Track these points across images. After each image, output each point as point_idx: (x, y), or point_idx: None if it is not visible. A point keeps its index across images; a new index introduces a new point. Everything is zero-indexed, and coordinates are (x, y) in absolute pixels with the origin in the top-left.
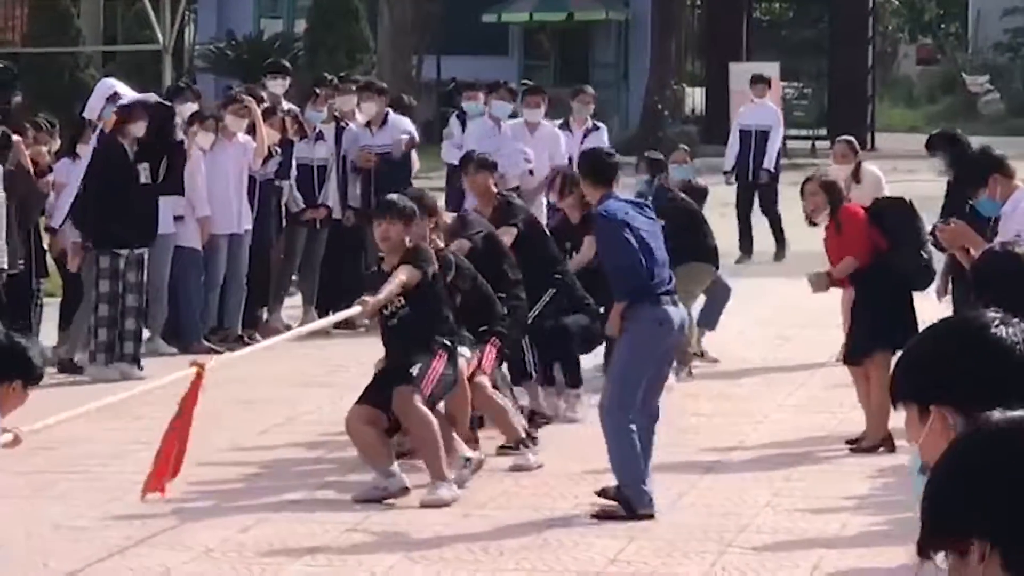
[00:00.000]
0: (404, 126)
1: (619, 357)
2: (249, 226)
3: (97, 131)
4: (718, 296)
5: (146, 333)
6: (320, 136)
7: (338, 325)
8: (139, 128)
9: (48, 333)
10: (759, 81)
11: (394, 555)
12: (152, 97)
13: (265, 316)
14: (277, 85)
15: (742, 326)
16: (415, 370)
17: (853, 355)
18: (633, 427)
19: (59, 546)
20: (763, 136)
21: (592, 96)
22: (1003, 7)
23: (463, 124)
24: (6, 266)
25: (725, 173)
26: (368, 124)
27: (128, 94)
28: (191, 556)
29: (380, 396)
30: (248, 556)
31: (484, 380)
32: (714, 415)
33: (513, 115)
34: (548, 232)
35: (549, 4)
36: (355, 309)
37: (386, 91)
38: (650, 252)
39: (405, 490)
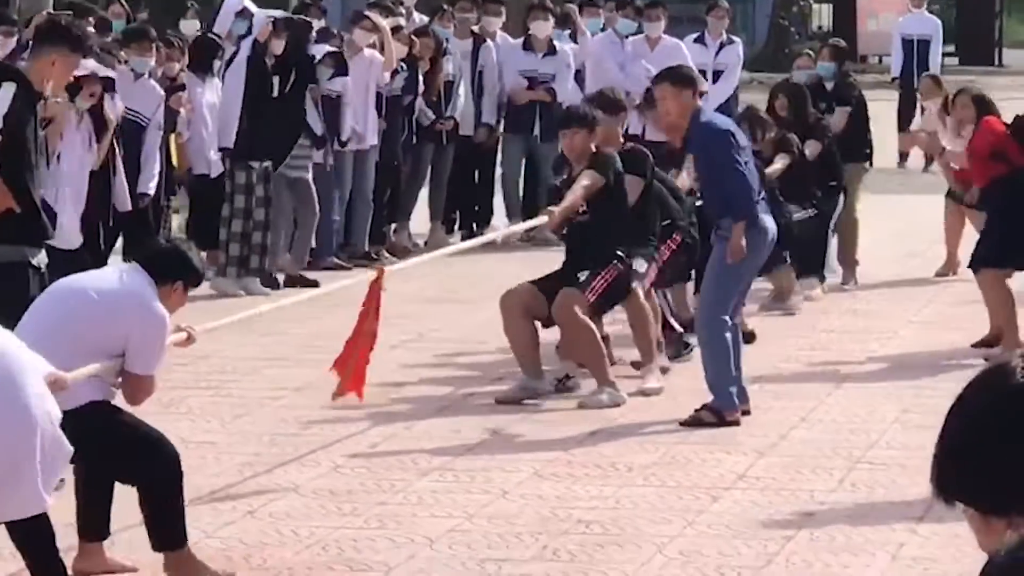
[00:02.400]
0: (568, 59)
1: (717, 268)
2: (376, 142)
3: (242, 44)
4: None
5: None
6: (445, 51)
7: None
8: (279, 45)
9: None
10: None
11: (522, 472)
12: (280, 13)
13: (392, 232)
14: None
15: (872, 242)
16: (583, 275)
17: (974, 263)
18: (728, 336)
19: (187, 462)
20: (925, 45)
21: (726, 10)
22: None
23: (573, 39)
24: (151, 191)
25: (892, 80)
26: (528, 44)
27: (255, 10)
28: (319, 472)
29: (548, 289)
30: (377, 471)
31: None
32: (843, 331)
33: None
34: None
35: None
36: (542, 219)
37: (556, 14)
38: (747, 164)
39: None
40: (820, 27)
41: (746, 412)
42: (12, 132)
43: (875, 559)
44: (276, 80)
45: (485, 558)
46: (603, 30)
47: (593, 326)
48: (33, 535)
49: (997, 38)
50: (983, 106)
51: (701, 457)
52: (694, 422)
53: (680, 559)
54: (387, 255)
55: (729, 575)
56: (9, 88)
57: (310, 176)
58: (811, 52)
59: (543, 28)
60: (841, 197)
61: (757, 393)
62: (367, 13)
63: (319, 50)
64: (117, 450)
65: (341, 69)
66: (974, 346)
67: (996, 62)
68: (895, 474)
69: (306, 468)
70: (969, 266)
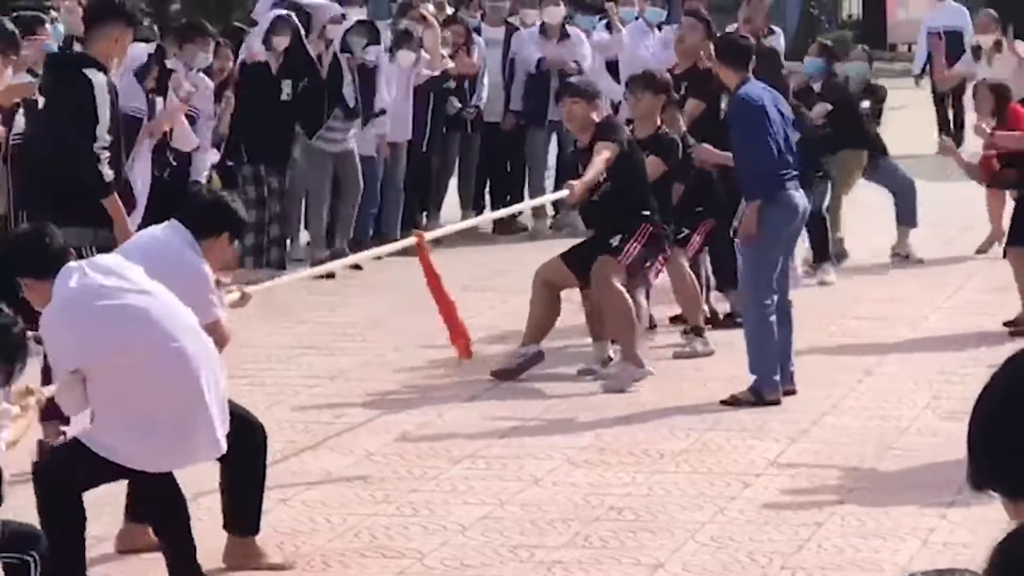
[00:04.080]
0: (583, 50)
1: (754, 252)
2: (410, 136)
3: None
4: (906, 191)
5: (305, 236)
6: (473, 40)
7: (499, 229)
8: (281, 42)
9: None
10: None
11: (554, 459)
12: (335, 7)
13: (424, 220)
14: None
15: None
16: (615, 240)
17: (1010, 243)
18: (773, 318)
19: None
20: (954, 37)
21: (765, 2)
22: None
23: (608, 29)
24: (203, 179)
25: (915, 76)
26: (543, 30)
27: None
28: (353, 460)
29: (578, 260)
30: (410, 459)
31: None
32: (874, 317)
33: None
34: None
35: None
36: (563, 192)
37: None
38: (784, 138)
39: (540, 355)
40: (850, 16)
41: (790, 392)
42: (114, 119)
43: (905, 544)
44: (285, 84)
45: (517, 544)
46: (636, 19)
47: (628, 296)
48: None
49: None
50: (1000, 95)
51: (732, 444)
52: (733, 401)
53: (712, 545)
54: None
55: (761, 561)
56: (96, 75)
57: (355, 148)
58: (827, 42)
59: (556, 15)
60: (828, 185)
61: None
62: (417, 4)
63: (352, 15)
64: None
65: (374, 38)
66: (1005, 324)
67: None
68: (925, 460)
69: (339, 456)
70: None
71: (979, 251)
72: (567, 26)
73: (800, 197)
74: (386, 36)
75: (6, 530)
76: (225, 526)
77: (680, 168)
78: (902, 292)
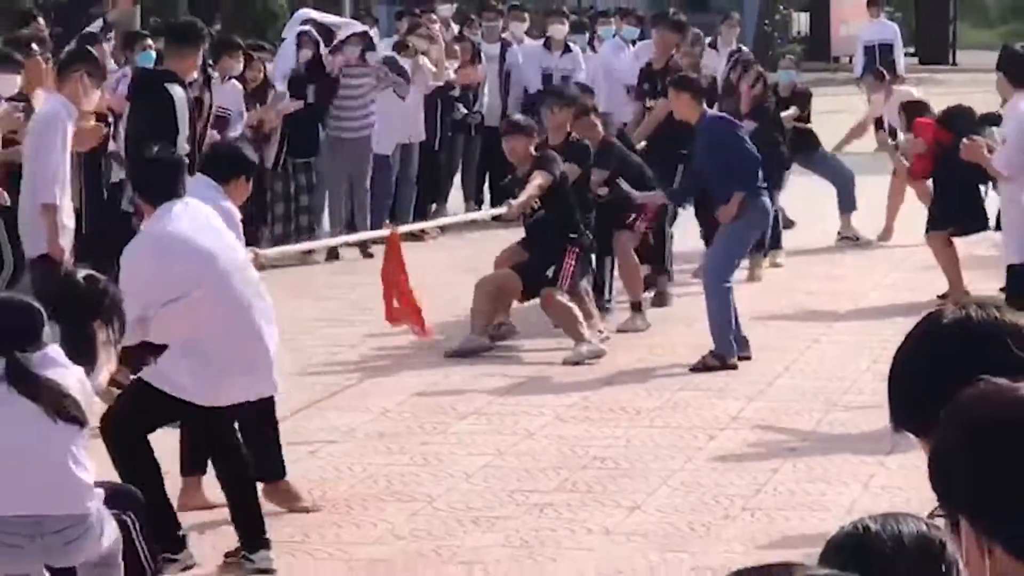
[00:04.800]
0: (580, 56)
1: (729, 239)
2: (423, 137)
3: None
4: (844, 180)
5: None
6: (479, 56)
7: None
8: (306, 54)
9: None
10: (874, 3)
11: (545, 416)
12: (356, 25)
13: (433, 209)
14: (446, 9)
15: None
16: (550, 272)
17: (928, 228)
18: (730, 293)
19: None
20: (885, 48)
21: (737, 21)
22: None
23: (592, 46)
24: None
25: (856, 81)
26: (547, 45)
27: (324, 18)
28: (371, 417)
29: (527, 282)
30: (421, 416)
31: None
32: (821, 293)
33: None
34: None
35: None
36: (502, 209)
37: (570, 19)
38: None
39: (489, 348)
40: (799, 32)
41: (745, 358)
42: (192, 130)
43: (848, 488)
44: (312, 89)
45: (514, 489)
46: (614, 37)
47: (571, 304)
48: None
49: (951, 41)
50: (909, 109)
51: (699, 402)
52: (701, 367)
53: (682, 489)
54: (430, 229)
55: (724, 503)
56: (177, 89)
57: (372, 147)
58: (792, 55)
59: (559, 31)
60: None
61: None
62: (424, 21)
63: (347, 28)
64: None
65: (370, 45)
66: (939, 297)
67: (951, 61)
68: (867, 416)
69: (359, 413)
70: (927, 232)
71: (879, 239)
72: (570, 43)
73: (769, 204)
74: (384, 49)
75: (105, 489)
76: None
77: (623, 166)
78: (846, 271)
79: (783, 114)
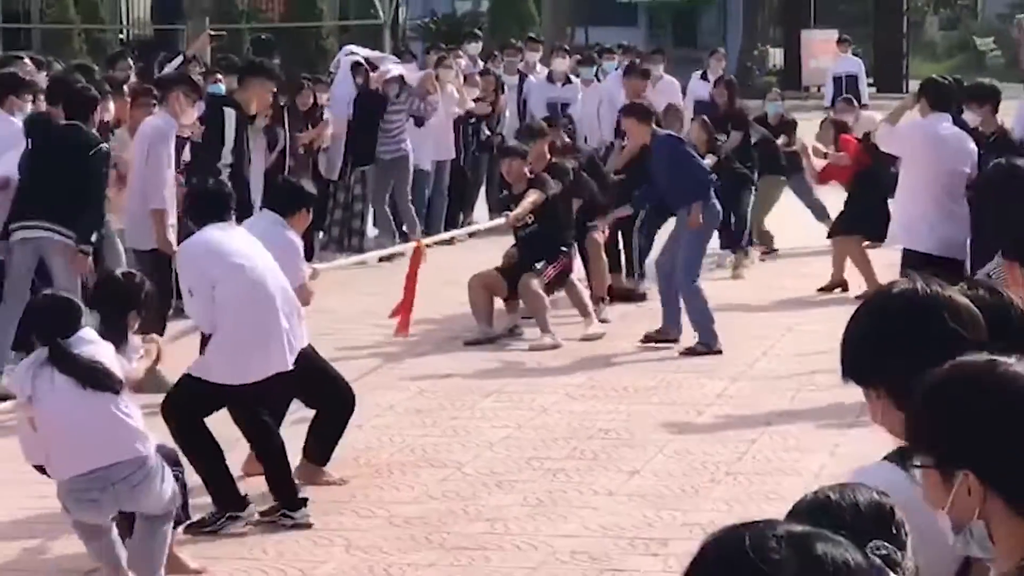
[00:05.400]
0: (578, 87)
1: (690, 244)
2: (454, 155)
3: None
4: (818, 210)
5: (372, 231)
6: (502, 87)
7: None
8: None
9: None
10: (843, 40)
11: (557, 394)
12: (393, 59)
13: (461, 218)
14: (472, 48)
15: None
16: (539, 265)
17: (834, 232)
18: (701, 289)
19: None
20: (851, 79)
21: (724, 55)
22: None
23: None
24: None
25: (825, 109)
26: (551, 77)
27: (366, 53)
28: (409, 395)
29: (508, 273)
30: (451, 394)
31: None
32: (794, 288)
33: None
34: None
35: None
36: (499, 220)
37: (571, 53)
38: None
39: (501, 337)
40: (775, 65)
41: (675, 340)
42: (236, 145)
43: (817, 455)
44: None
45: (531, 457)
46: (616, 69)
47: (544, 295)
48: None
49: (905, 73)
50: (837, 127)
51: (689, 382)
52: (690, 352)
53: (675, 457)
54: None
55: (710, 468)
56: (230, 111)
57: (410, 158)
58: (775, 88)
59: (561, 64)
60: (751, 195)
61: (730, 333)
62: (447, 57)
63: (386, 62)
64: (309, 382)
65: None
66: (857, 298)
67: (904, 90)
68: (833, 393)
69: (399, 392)
70: (830, 235)
71: (822, 289)
72: (574, 76)
73: (719, 207)
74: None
75: (162, 452)
76: (304, 452)
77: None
78: (815, 270)
79: (778, 141)
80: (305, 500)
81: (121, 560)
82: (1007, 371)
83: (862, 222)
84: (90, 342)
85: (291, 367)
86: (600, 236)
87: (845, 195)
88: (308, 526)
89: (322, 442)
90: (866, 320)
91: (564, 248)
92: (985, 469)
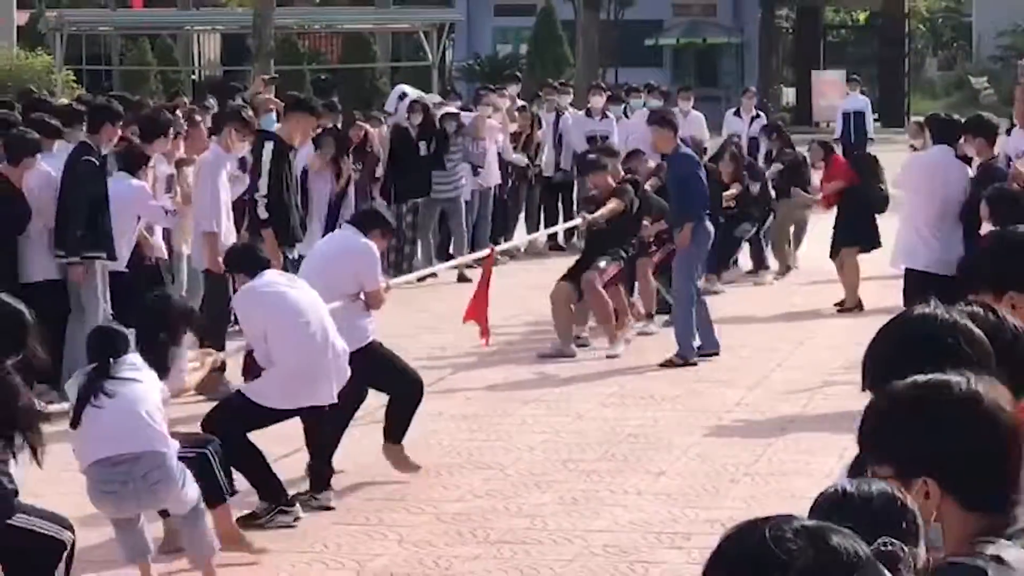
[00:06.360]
0: (614, 122)
1: (686, 262)
2: (499, 181)
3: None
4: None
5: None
6: (539, 123)
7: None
8: (416, 118)
9: None
10: (852, 80)
11: (591, 402)
12: (436, 98)
13: (502, 240)
14: (513, 88)
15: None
16: (602, 263)
17: (835, 248)
18: (693, 308)
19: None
20: (859, 116)
21: (754, 93)
22: (996, 31)
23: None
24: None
25: (834, 141)
26: (588, 113)
27: (414, 94)
28: (456, 403)
29: (575, 279)
30: (494, 402)
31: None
32: (807, 305)
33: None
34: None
35: (690, 32)
36: (577, 221)
37: (606, 90)
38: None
39: (574, 353)
40: (787, 103)
41: (715, 353)
42: (274, 175)
43: (828, 458)
44: (422, 144)
45: (567, 459)
46: (644, 106)
47: (608, 300)
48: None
49: (906, 109)
50: (825, 149)
51: (710, 391)
52: (668, 364)
53: (698, 459)
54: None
55: (730, 469)
56: (269, 145)
57: (463, 198)
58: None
59: (598, 101)
60: (771, 218)
61: (747, 346)
62: (487, 96)
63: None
64: (381, 372)
65: (458, 129)
66: (836, 305)
67: (905, 124)
68: (842, 401)
69: (447, 400)
70: (832, 256)
71: (838, 306)
72: (608, 112)
73: (711, 228)
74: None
75: (188, 437)
76: (384, 434)
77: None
78: (828, 287)
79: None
80: (330, 486)
81: (151, 549)
82: (962, 388)
83: (856, 234)
84: (133, 366)
85: (335, 400)
86: (656, 258)
87: (836, 213)
88: (330, 508)
89: (397, 423)
90: (889, 339)
91: (624, 254)
92: (943, 476)
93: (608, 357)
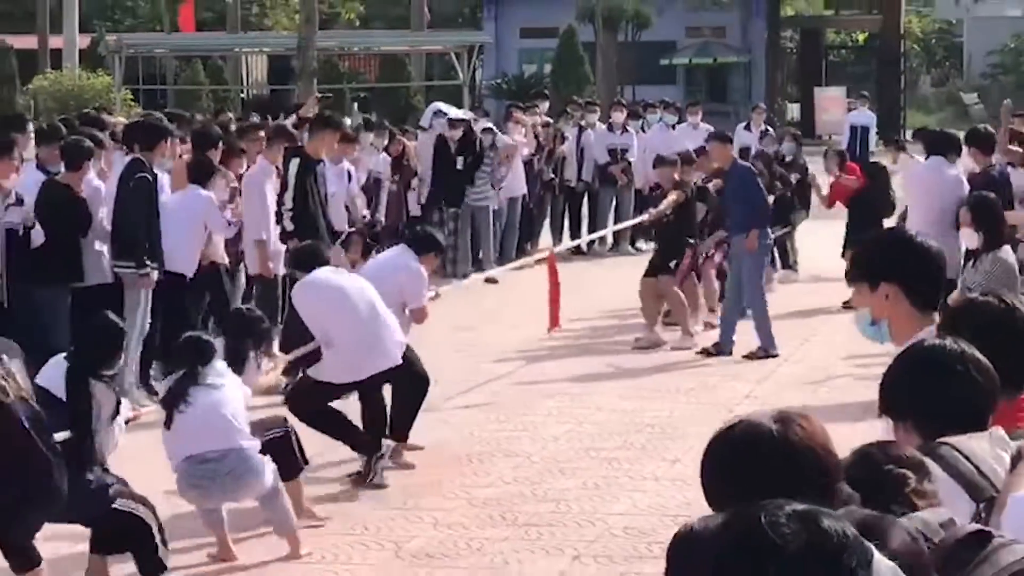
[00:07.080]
0: (634, 136)
1: (751, 267)
2: (525, 191)
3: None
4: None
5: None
6: (563, 137)
7: (577, 251)
8: (456, 135)
9: None
10: (861, 96)
11: (610, 394)
12: (470, 115)
13: (528, 247)
14: (543, 105)
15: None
16: (672, 264)
17: (845, 250)
18: (767, 305)
19: (436, 391)
20: (864, 130)
21: (764, 109)
22: (986, 50)
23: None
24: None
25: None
26: (610, 127)
27: (450, 111)
28: (486, 397)
29: (654, 272)
30: (522, 396)
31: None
32: (813, 304)
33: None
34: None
35: (701, 53)
36: (643, 217)
37: (626, 106)
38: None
39: (664, 342)
40: (792, 117)
41: (729, 353)
42: (300, 189)
43: (836, 446)
44: (460, 159)
45: (589, 447)
46: (659, 121)
47: (683, 297)
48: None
49: (902, 123)
50: (839, 157)
51: (722, 385)
52: (752, 357)
53: None
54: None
55: None
56: (295, 160)
57: (491, 207)
58: (797, 132)
59: (619, 116)
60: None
61: (756, 344)
62: (515, 114)
63: (484, 124)
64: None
65: (492, 144)
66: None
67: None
68: (843, 394)
69: (476, 393)
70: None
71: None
72: (628, 126)
73: (771, 235)
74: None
75: (265, 422)
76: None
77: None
78: (836, 288)
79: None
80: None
81: (226, 527)
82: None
83: (865, 236)
84: (219, 374)
85: (400, 361)
86: (717, 259)
87: (847, 218)
88: (384, 487)
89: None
90: (903, 368)
91: (692, 240)
92: (900, 281)
93: (673, 350)
